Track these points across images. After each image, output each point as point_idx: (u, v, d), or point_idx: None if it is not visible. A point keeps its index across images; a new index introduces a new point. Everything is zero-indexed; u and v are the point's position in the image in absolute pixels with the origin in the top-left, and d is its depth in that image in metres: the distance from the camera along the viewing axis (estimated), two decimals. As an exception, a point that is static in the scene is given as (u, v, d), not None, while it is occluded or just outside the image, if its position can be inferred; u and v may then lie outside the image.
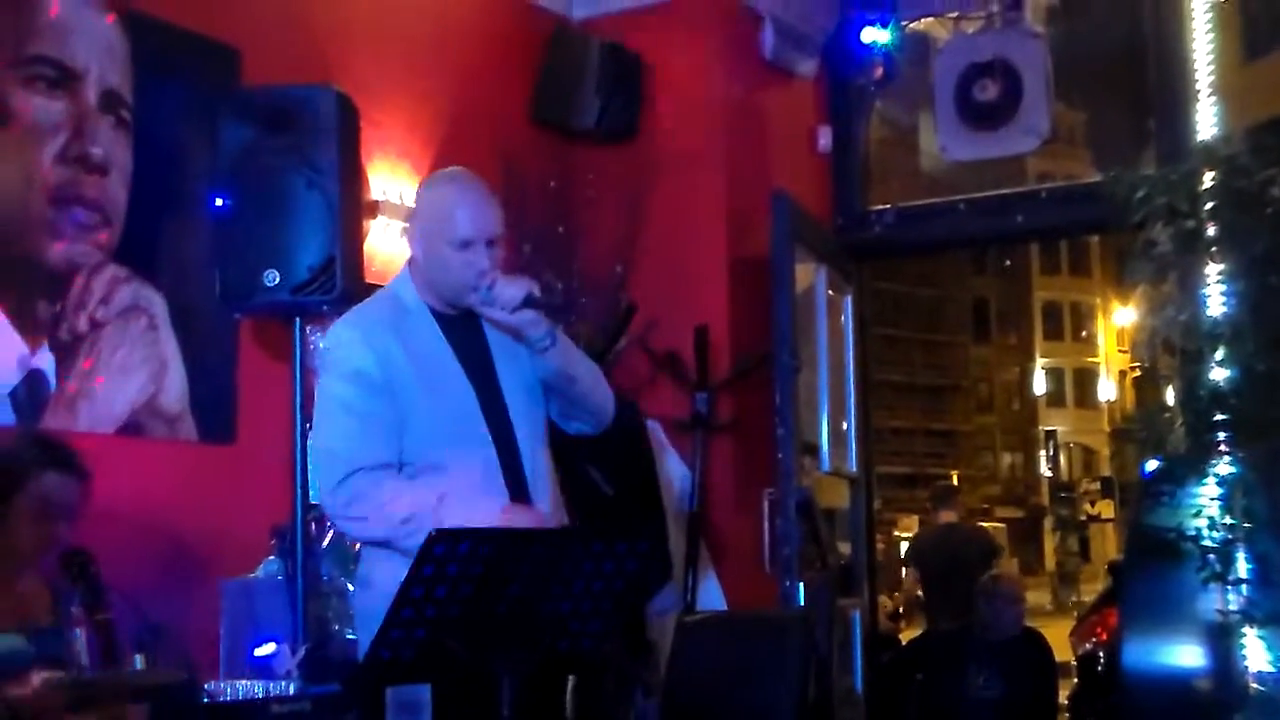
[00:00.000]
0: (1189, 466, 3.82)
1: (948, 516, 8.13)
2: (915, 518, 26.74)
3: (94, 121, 3.89)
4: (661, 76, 5.65)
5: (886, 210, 6.13)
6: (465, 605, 2.36)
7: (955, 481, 26.26)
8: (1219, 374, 3.80)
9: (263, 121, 3.87)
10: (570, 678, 3.08)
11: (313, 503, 4.07)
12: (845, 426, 5.88)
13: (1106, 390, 43.20)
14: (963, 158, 5.89)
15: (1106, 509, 30.78)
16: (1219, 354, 3.80)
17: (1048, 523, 39.47)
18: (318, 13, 4.63)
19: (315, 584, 3.97)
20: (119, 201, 3.95)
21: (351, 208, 3.95)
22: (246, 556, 4.03)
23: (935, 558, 7.69)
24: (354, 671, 3.27)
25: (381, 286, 3.40)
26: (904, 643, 7.35)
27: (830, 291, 5.72)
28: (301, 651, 3.69)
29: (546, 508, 2.99)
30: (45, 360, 3.73)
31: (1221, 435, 3.77)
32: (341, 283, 3.80)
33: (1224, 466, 3.76)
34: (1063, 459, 40.67)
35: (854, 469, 5.93)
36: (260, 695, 3.35)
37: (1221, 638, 3.81)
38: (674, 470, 5.30)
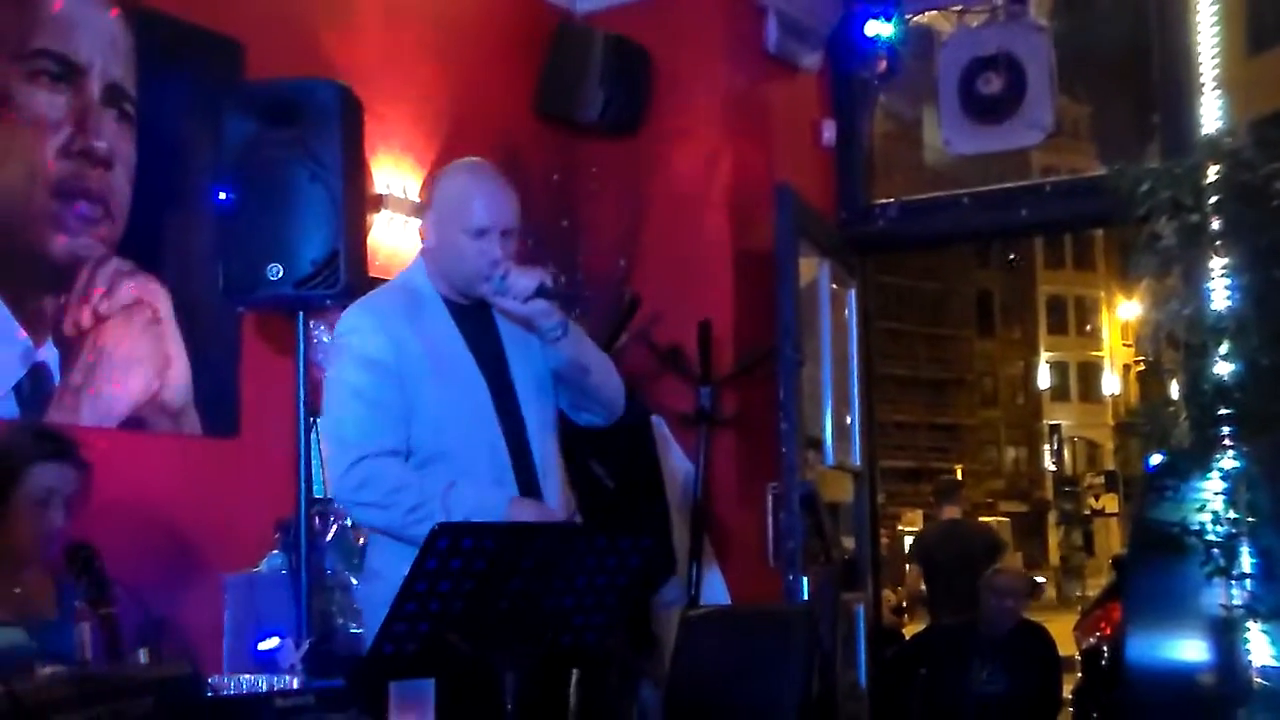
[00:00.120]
0: (1193, 461, 3.82)
1: (951, 512, 8.14)
2: (919, 512, 26.75)
3: (97, 115, 3.89)
4: (665, 70, 5.65)
5: (890, 204, 6.13)
6: (468, 600, 2.36)
7: (959, 476, 26.32)
8: (1223, 368, 3.80)
9: (266, 115, 3.87)
10: (574, 672, 3.08)
11: (317, 497, 4.08)
12: (849, 421, 5.88)
13: (1111, 384, 43.20)
14: (967, 151, 5.89)
15: (1110, 503, 30.82)
16: (1223, 348, 3.80)
17: (1052, 517, 39.51)
18: (321, 6, 4.63)
19: (319, 578, 3.97)
20: (122, 195, 3.95)
21: (355, 201, 3.94)
22: (250, 550, 4.03)
23: (939, 553, 7.70)
24: (357, 666, 3.27)
25: (385, 280, 3.40)
26: (908, 637, 7.36)
27: (834, 285, 5.71)
28: (305, 645, 3.69)
29: (556, 499, 3.01)
30: (49, 354, 3.73)
31: (1225, 430, 3.77)
32: (345, 276, 3.80)
33: (1228, 461, 3.77)
34: (1067, 453, 40.71)
35: (858, 463, 5.93)
36: (264, 689, 3.34)
37: (1225, 632, 3.81)
38: (677, 464, 5.30)
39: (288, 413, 3.99)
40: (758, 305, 5.32)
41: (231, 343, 4.21)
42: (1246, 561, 3.71)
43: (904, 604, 8.80)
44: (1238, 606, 3.73)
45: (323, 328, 4.32)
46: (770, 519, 5.28)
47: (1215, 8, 4.36)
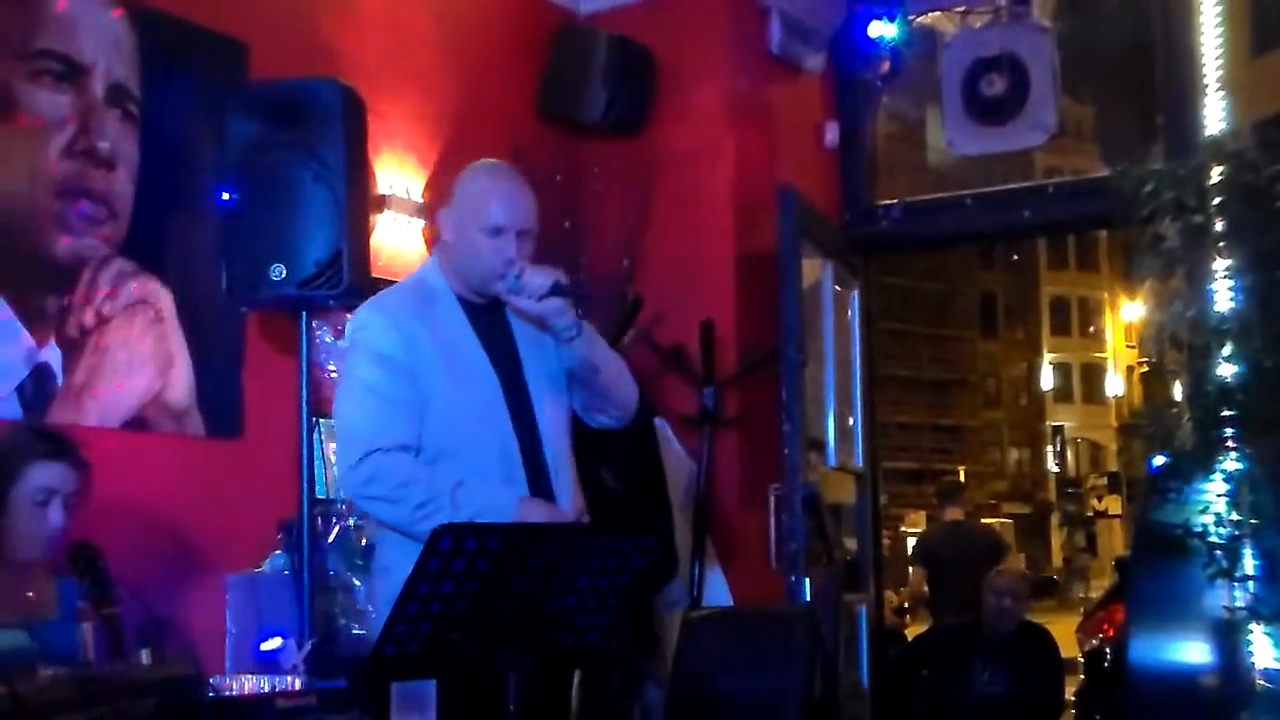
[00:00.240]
0: (1196, 462, 3.81)
1: (954, 513, 8.15)
2: (922, 513, 26.76)
3: (101, 115, 3.89)
4: (669, 70, 5.65)
5: (893, 205, 6.12)
6: (471, 601, 2.36)
7: (962, 477, 26.31)
8: (1226, 369, 3.79)
9: (270, 115, 3.87)
10: (576, 673, 3.08)
11: (319, 497, 4.08)
12: (852, 422, 5.88)
13: (1114, 385, 43.16)
14: (970, 152, 5.88)
15: (1114, 505, 30.81)
16: (1226, 349, 3.79)
17: (1055, 518, 39.50)
18: (325, 7, 4.63)
19: (322, 578, 3.97)
20: (126, 195, 3.95)
21: (358, 202, 3.94)
22: (253, 551, 4.04)
23: (941, 554, 7.70)
24: (359, 666, 3.27)
25: (388, 281, 3.41)
26: (910, 639, 7.35)
27: (837, 286, 5.71)
28: (308, 646, 3.70)
29: (568, 498, 3.02)
30: (52, 354, 3.73)
31: (1229, 431, 3.77)
32: (348, 277, 3.80)
33: (1231, 462, 3.76)
34: (1070, 454, 40.67)
35: (860, 464, 5.93)
36: (266, 690, 3.34)
37: (1228, 634, 3.80)
38: (680, 465, 5.30)
39: (291, 413, 3.99)
40: (760, 306, 5.32)
41: (234, 343, 4.21)
42: (1250, 563, 3.70)
43: (906, 605, 8.79)
44: (1241, 608, 3.72)
45: (326, 328, 4.33)
46: (772, 520, 5.27)
47: (1219, 8, 4.35)
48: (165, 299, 4.04)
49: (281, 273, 3.79)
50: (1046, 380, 46.03)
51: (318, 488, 4.06)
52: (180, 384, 4.05)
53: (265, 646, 3.77)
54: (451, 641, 2.36)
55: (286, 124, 3.84)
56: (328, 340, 4.38)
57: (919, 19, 5.95)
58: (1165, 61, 4.95)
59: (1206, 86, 4.34)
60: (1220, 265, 3.91)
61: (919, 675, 5.93)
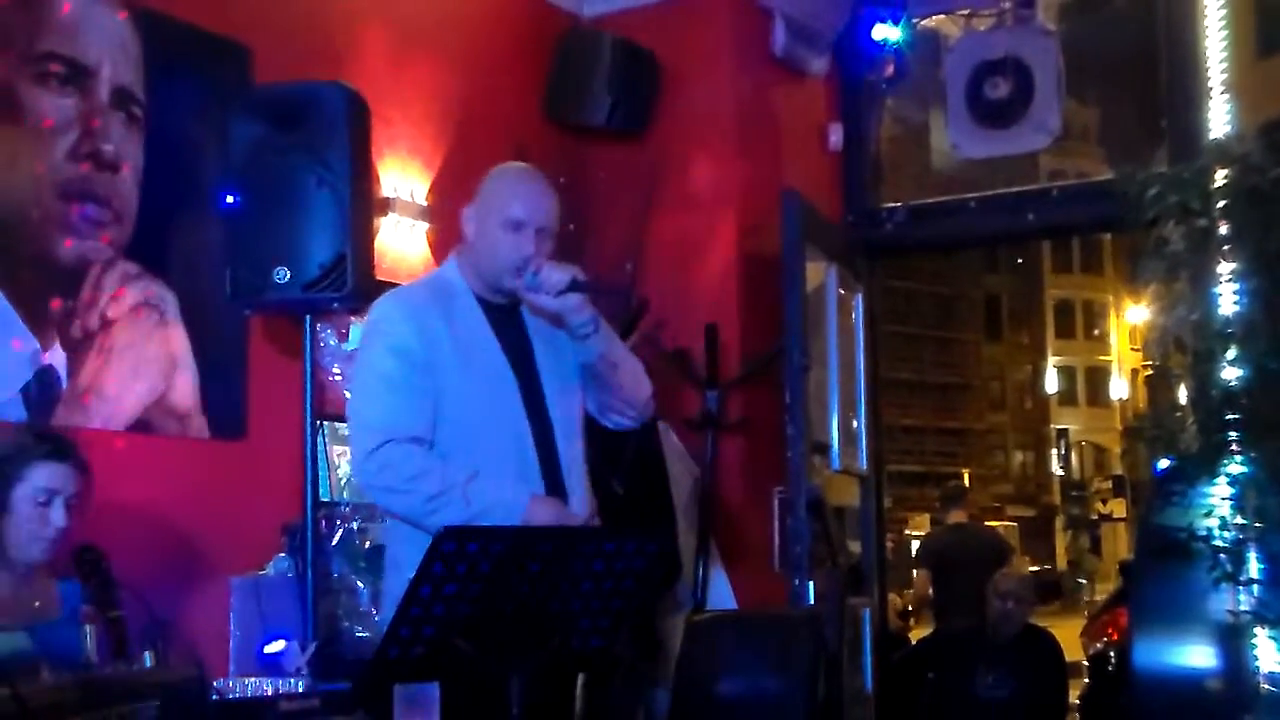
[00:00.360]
0: (1201, 466, 3.81)
1: (958, 517, 8.14)
2: (926, 516, 26.72)
3: (105, 118, 3.90)
4: (673, 73, 5.65)
5: (897, 208, 6.12)
6: (474, 603, 2.36)
7: (966, 480, 26.30)
8: (1231, 373, 3.79)
9: (273, 119, 3.87)
10: (580, 676, 3.08)
11: (323, 500, 4.08)
12: (856, 425, 5.87)
13: (1118, 389, 43.10)
14: (974, 155, 5.88)
15: (1118, 508, 30.76)
16: (1231, 353, 3.79)
17: (1059, 522, 39.46)
18: (329, 10, 4.64)
19: (325, 581, 3.98)
20: (130, 198, 3.95)
21: (362, 205, 3.95)
22: (256, 553, 4.04)
23: (946, 557, 7.68)
24: (362, 669, 3.27)
25: (392, 284, 3.41)
26: (914, 642, 7.34)
27: (841, 289, 5.71)
28: (311, 649, 3.70)
29: (579, 498, 3.03)
30: (56, 357, 3.74)
31: (1233, 434, 3.76)
32: (352, 280, 3.80)
33: (1236, 466, 3.76)
34: (1074, 458, 40.65)
35: (864, 467, 5.92)
36: (269, 693, 3.35)
37: (1232, 638, 3.80)
38: (683, 468, 5.30)
39: (295, 415, 4.00)
40: (764, 309, 5.32)
41: (238, 346, 4.22)
42: (1254, 567, 3.71)
43: (910, 608, 8.77)
44: (1245, 612, 3.72)
45: (329, 331, 4.33)
46: (776, 523, 5.26)
47: (1223, 11, 4.35)
48: (170, 302, 4.04)
49: (285, 275, 3.79)
50: (1051, 383, 45.96)
51: (321, 490, 4.07)
52: (184, 386, 4.05)
53: (269, 649, 3.77)
54: (455, 644, 2.36)
55: (290, 127, 3.85)
56: (331, 343, 4.39)
57: (923, 22, 5.96)
58: (1170, 64, 4.95)
59: (1211, 89, 4.34)
60: (1225, 268, 3.91)
61: (923, 679, 5.92)
